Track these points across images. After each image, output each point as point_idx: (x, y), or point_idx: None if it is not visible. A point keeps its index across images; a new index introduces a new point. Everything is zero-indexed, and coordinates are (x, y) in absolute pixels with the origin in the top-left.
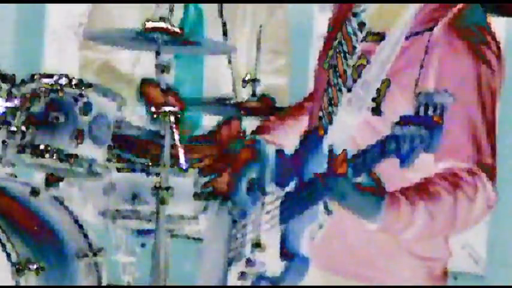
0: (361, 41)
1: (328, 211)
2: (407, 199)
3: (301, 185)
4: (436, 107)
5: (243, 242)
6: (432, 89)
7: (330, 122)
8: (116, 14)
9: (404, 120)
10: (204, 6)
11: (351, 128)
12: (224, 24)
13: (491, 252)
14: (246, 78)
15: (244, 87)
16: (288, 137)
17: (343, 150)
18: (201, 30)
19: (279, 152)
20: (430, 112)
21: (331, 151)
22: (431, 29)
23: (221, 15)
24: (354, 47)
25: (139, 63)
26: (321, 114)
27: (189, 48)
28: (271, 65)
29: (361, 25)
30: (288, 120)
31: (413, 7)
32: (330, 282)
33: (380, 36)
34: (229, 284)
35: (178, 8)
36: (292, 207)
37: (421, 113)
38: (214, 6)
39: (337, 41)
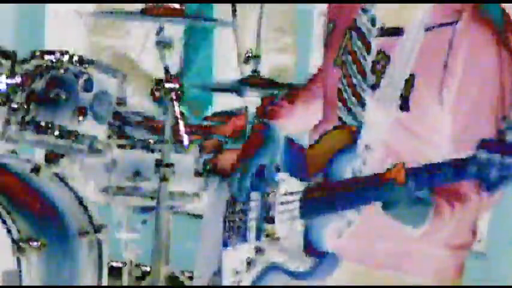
0: (376, 37)
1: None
2: (449, 207)
3: (330, 186)
4: None
5: (243, 225)
6: None
7: (359, 122)
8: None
9: (487, 145)
10: None
11: (382, 128)
12: (233, 4)
13: (493, 230)
14: (248, 55)
15: (245, 63)
16: (297, 124)
17: (401, 163)
18: (210, 11)
19: (289, 140)
20: None
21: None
22: (454, 22)
23: None
24: (369, 43)
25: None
26: (339, 114)
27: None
28: (277, 43)
29: (373, 20)
30: (297, 105)
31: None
32: (358, 273)
33: (396, 31)
34: (232, 267)
35: None
36: (319, 207)
37: (509, 138)
38: None
39: (347, 37)
